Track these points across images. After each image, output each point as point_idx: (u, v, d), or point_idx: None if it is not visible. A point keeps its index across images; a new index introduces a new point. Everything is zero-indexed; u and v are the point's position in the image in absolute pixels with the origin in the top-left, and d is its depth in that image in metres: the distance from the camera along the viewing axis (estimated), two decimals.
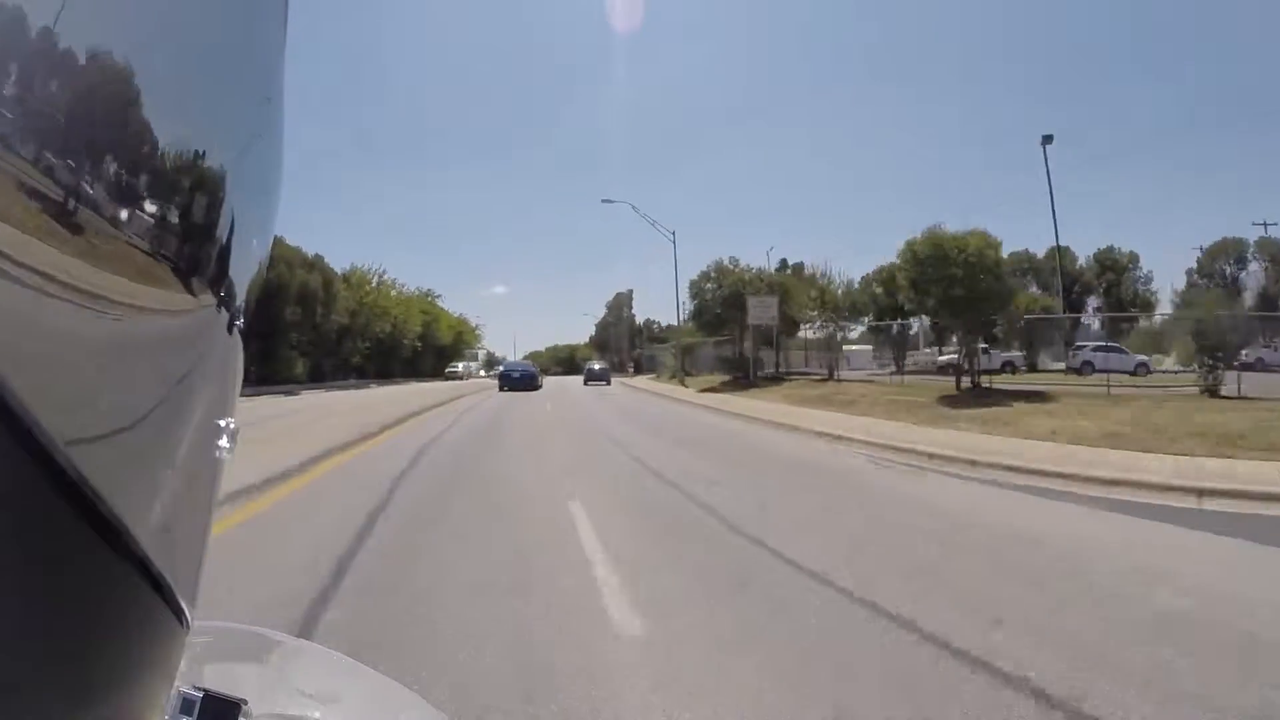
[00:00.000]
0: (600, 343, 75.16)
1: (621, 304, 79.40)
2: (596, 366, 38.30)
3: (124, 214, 0.29)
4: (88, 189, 0.27)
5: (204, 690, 0.50)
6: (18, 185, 0.24)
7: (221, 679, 0.63)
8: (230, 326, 0.40)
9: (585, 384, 33.83)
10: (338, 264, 42.49)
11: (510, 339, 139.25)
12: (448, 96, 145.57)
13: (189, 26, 0.33)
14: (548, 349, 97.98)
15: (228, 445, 0.42)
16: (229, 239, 0.37)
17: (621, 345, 71.88)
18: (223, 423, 0.41)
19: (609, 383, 34.79)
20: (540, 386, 27.67)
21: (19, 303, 0.23)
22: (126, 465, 0.31)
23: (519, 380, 26.10)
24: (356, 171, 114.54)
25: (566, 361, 78.06)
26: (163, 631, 0.36)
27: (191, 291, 0.34)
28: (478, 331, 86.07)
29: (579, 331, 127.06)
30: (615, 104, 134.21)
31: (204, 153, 0.33)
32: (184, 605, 0.37)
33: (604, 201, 31.80)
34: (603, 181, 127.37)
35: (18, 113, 0.23)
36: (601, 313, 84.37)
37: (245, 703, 0.52)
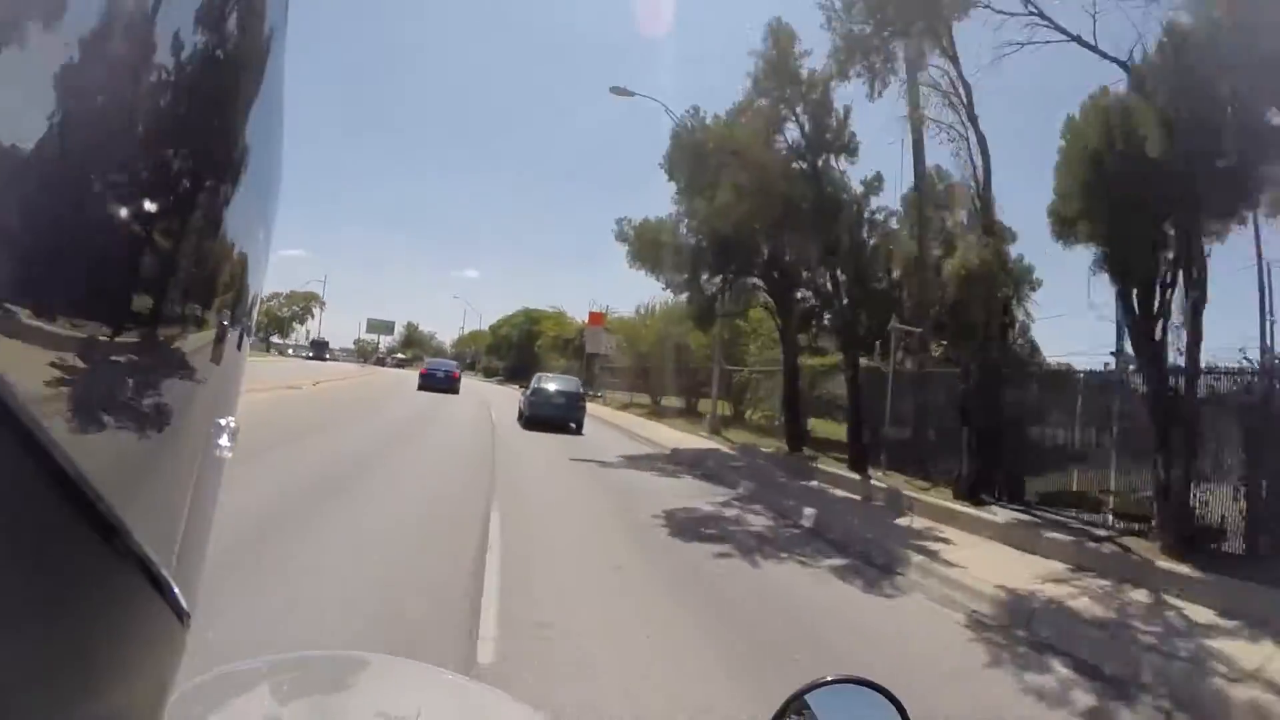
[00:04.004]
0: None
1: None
2: (553, 386, 15.73)
3: (124, 226, 0.29)
4: (87, 197, 0.27)
5: None
6: (16, 191, 0.24)
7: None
8: (239, 342, 0.40)
9: (525, 423, 14.69)
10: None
11: (460, 319, 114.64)
12: (434, 81, 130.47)
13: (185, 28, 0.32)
14: (503, 319, 51.28)
15: (228, 444, 0.42)
16: (231, 250, 0.37)
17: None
18: (223, 421, 0.41)
19: (580, 425, 15.19)
20: (458, 391, 23.80)
21: (21, 306, 0.24)
22: (126, 465, 0.31)
23: (441, 380, 23.90)
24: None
25: (517, 357, 38.90)
26: (163, 631, 0.36)
27: (195, 306, 0.35)
28: None
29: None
30: (594, 103, 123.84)
31: (209, 164, 0.34)
32: (184, 604, 0.37)
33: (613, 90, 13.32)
34: (591, 185, 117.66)
35: (15, 116, 0.23)
36: None
37: None
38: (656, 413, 21.45)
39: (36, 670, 0.27)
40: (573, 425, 14.88)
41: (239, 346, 0.41)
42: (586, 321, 29.57)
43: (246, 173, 0.37)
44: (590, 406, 18.40)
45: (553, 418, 14.61)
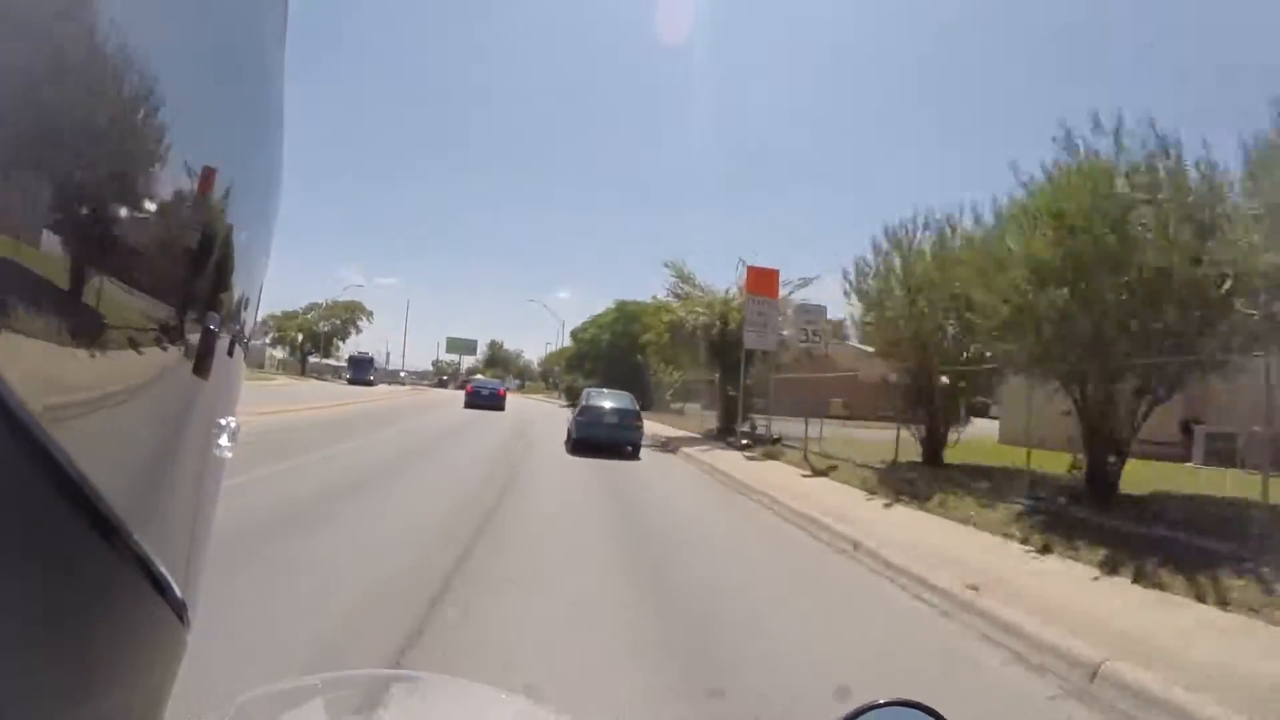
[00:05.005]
0: None
1: None
2: (607, 404, 12.84)
3: (124, 230, 0.28)
4: (86, 200, 0.27)
5: None
6: (18, 194, 0.24)
7: None
8: (231, 348, 0.39)
9: (572, 448, 12.19)
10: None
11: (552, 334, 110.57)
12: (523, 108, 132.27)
13: (185, 30, 0.31)
14: (590, 320, 39.06)
15: (228, 444, 0.41)
16: (230, 257, 0.37)
17: None
18: (223, 421, 0.40)
19: (636, 449, 12.40)
20: (503, 408, 24.40)
21: (21, 306, 0.24)
22: (126, 465, 0.31)
23: (486, 398, 25.25)
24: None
25: (608, 371, 28.07)
26: (163, 631, 0.35)
27: (193, 311, 0.34)
28: None
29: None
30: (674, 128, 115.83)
31: (208, 169, 0.33)
32: (184, 605, 0.36)
33: None
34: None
35: (17, 119, 0.23)
36: None
37: None
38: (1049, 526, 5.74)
39: (37, 669, 0.27)
40: (629, 449, 12.37)
41: (233, 351, 0.40)
42: (741, 285, 15.00)
43: (248, 185, 0.36)
44: (768, 472, 9.49)
45: (604, 439, 12.23)
